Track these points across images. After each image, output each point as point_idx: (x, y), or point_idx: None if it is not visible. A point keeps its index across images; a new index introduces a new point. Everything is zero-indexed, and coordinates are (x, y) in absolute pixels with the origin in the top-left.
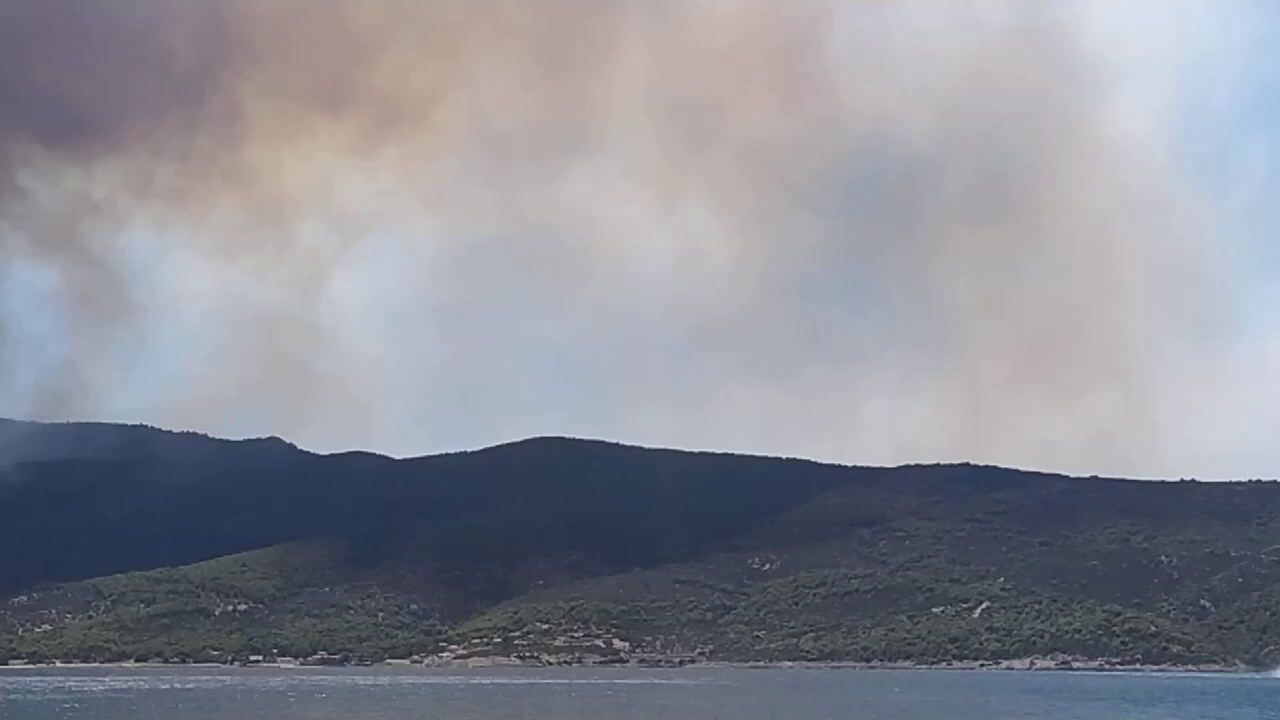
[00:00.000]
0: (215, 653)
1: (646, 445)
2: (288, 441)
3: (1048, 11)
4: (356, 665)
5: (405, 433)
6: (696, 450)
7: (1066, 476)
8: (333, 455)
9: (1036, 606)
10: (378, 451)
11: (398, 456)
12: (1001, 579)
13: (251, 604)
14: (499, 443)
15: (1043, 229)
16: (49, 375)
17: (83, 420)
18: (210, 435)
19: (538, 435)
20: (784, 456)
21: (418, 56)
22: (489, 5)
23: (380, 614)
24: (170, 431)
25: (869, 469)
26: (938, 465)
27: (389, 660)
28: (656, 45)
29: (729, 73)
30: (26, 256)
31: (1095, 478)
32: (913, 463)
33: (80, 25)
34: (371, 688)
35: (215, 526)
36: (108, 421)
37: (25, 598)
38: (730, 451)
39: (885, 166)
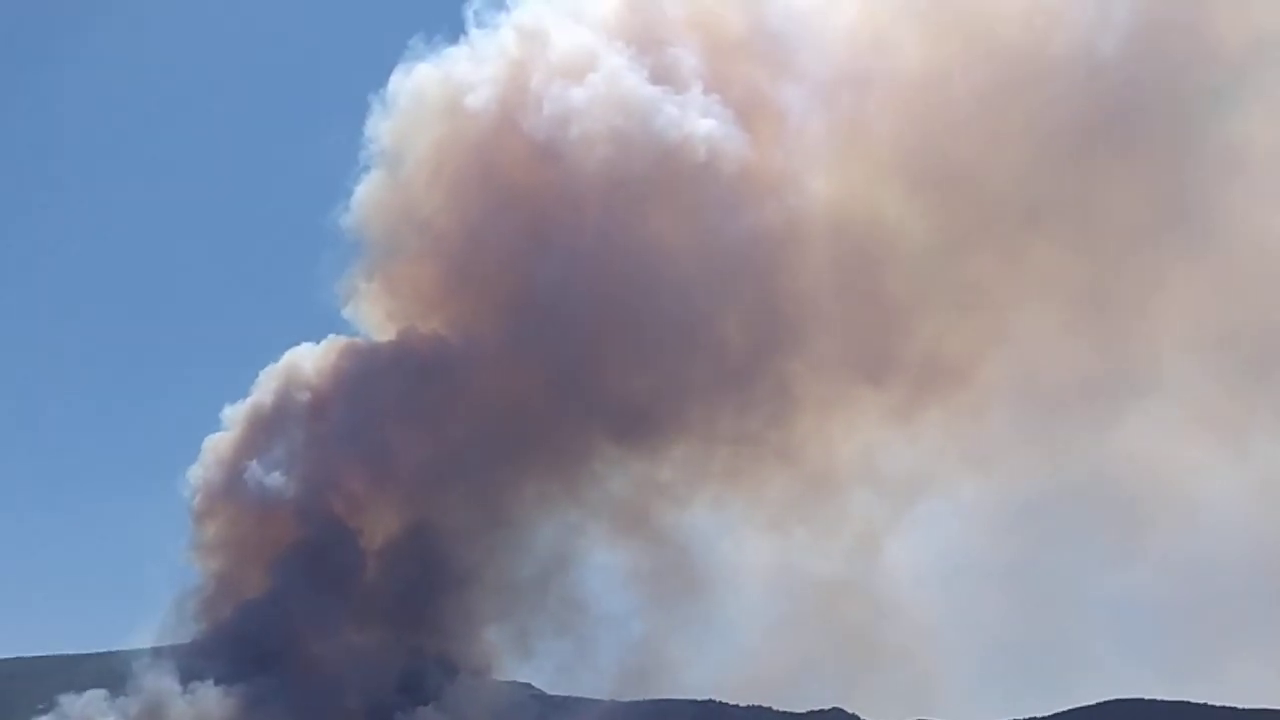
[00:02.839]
0: None
1: (1241, 705)
2: (851, 712)
3: None
4: None
5: (972, 699)
6: None
7: None
8: None
9: None
10: (944, 719)
11: None
12: None
13: None
14: (1073, 706)
15: None
16: (628, 653)
17: (659, 697)
18: (775, 708)
19: (1116, 697)
20: None
21: (954, 317)
22: (1021, 257)
23: None
24: (738, 705)
25: None
26: None
27: None
28: (1203, 274)
29: None
30: (602, 540)
31: None
32: None
33: (642, 324)
34: None
35: None
36: (682, 698)
37: None
38: None
39: None
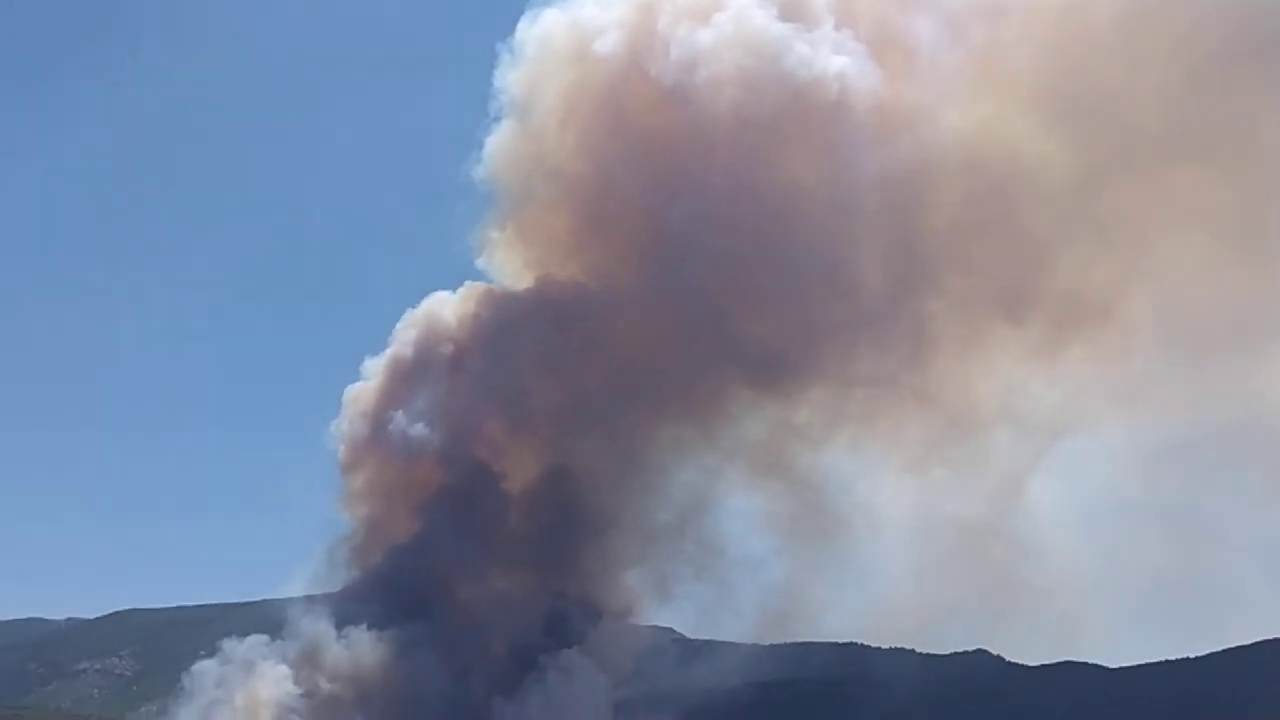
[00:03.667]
0: None
1: None
2: (995, 654)
3: None
4: None
5: (1120, 640)
6: None
7: None
8: (1043, 666)
9: None
10: (1091, 660)
11: (1113, 665)
12: None
13: None
14: (1226, 646)
15: None
16: (768, 596)
17: (800, 640)
18: (917, 650)
19: (1270, 637)
20: None
21: (1096, 251)
22: (1166, 186)
23: None
24: (879, 648)
25: None
26: None
27: None
28: None
29: None
30: (738, 483)
31: None
32: None
33: (776, 267)
34: None
35: None
36: (822, 641)
37: None
38: None
39: None
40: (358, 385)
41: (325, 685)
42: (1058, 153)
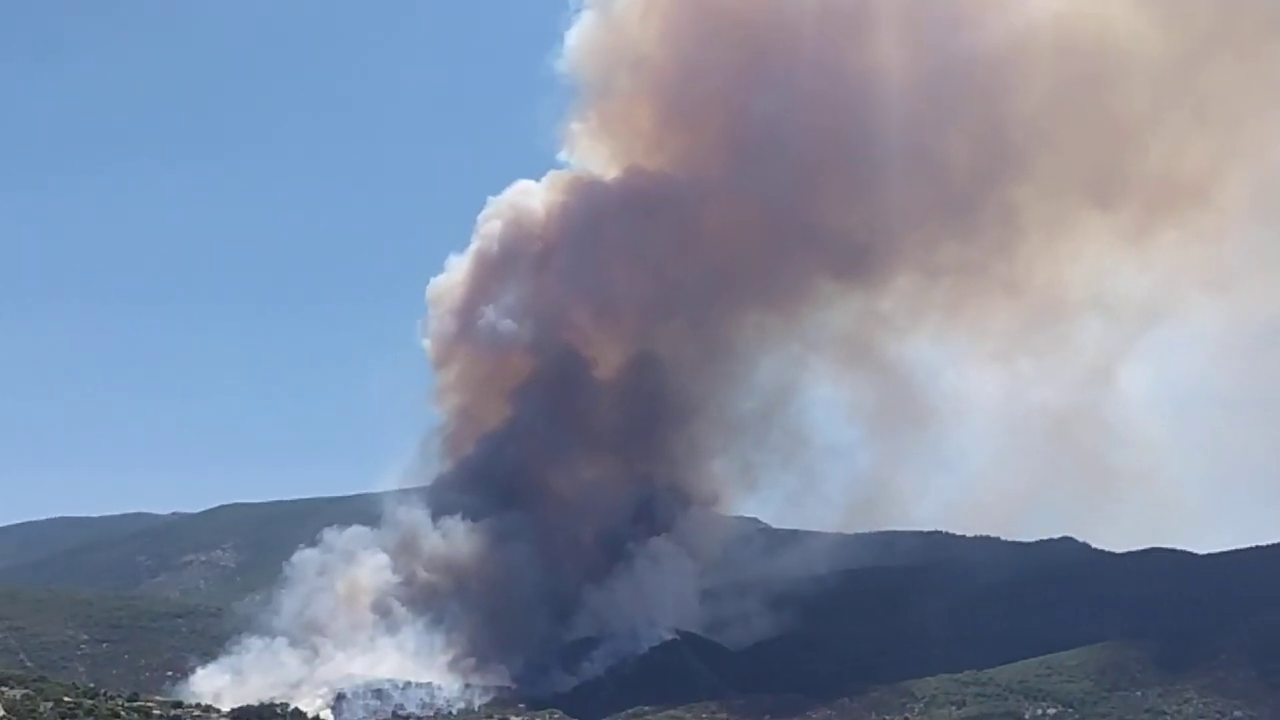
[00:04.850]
0: None
1: None
2: (1081, 541)
3: None
4: None
5: (1207, 526)
6: None
7: None
8: (1129, 553)
9: None
10: (1178, 547)
11: (1200, 552)
12: None
13: (1061, 708)
14: None
15: None
16: (855, 485)
17: (886, 529)
18: (1003, 538)
19: None
20: None
21: (1191, 133)
22: (1265, 63)
23: None
24: (965, 536)
25: None
26: None
27: None
28: None
29: None
30: (824, 372)
31: None
32: None
33: (861, 153)
34: None
35: (1015, 628)
36: (907, 529)
37: (847, 699)
38: None
39: None
40: (441, 280)
41: (423, 573)
42: (1152, 30)
